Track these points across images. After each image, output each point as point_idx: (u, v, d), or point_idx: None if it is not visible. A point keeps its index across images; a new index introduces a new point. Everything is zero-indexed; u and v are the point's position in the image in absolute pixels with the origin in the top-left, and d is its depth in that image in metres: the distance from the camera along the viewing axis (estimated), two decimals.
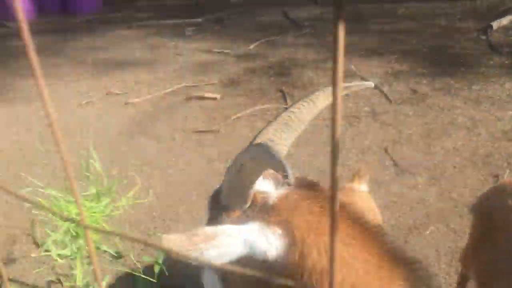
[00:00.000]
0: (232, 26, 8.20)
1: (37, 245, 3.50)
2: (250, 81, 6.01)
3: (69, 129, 5.14)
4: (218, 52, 6.98)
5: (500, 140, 4.35)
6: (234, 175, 1.16)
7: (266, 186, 1.21)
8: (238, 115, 5.10)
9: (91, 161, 3.09)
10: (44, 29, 8.36)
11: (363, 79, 5.73)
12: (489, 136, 4.42)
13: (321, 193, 1.18)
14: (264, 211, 1.12)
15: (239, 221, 1.14)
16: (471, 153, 4.18)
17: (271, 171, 1.22)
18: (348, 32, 7.31)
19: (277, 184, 1.21)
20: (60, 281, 3.17)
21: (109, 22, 8.88)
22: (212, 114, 5.27)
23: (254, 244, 1.08)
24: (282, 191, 1.18)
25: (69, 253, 3.44)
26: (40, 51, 7.39)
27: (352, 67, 6.05)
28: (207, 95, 5.63)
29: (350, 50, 6.65)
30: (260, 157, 1.09)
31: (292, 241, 1.08)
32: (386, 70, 6.02)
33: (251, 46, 7.07)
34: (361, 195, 2.17)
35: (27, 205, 3.95)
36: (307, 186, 1.20)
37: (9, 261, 3.38)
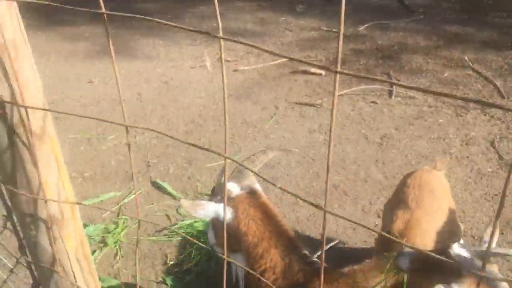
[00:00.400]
0: (346, 4, 8.19)
1: (152, 184, 3.93)
2: (357, 61, 6.05)
3: (183, 88, 5.57)
4: (327, 30, 7.05)
5: None
6: (218, 179, 2.37)
7: (233, 187, 2.21)
8: (342, 92, 5.19)
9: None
10: None
11: (474, 70, 5.54)
12: None
13: (256, 195, 2.19)
14: (228, 199, 2.16)
15: (218, 201, 2.19)
16: None
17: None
18: (464, 23, 7.03)
19: (239, 188, 2.21)
20: (168, 217, 3.55)
21: None
22: (316, 89, 5.41)
23: (219, 213, 2.15)
24: (239, 192, 2.19)
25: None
26: (162, 14, 7.98)
27: (466, 58, 5.85)
28: (312, 70, 5.77)
29: (465, 41, 6.42)
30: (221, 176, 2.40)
31: (236, 215, 2.12)
32: (502, 64, 5.74)
33: (361, 28, 7.05)
34: (436, 175, 2.61)
35: (142, 149, 4.40)
36: (251, 192, 2.20)
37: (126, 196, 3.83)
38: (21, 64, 0.97)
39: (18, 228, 1.22)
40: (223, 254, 0.95)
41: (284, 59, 6.15)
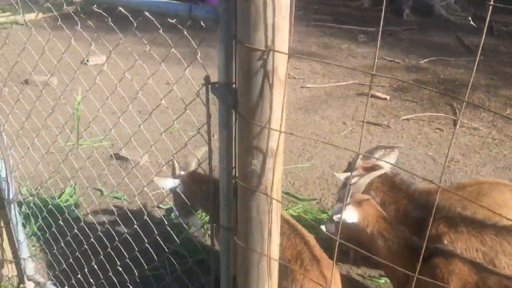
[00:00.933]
0: (404, 40, 8.50)
1: None
2: (420, 91, 6.29)
3: None
4: (390, 60, 7.35)
5: None
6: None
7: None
8: (408, 116, 5.43)
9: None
10: None
11: None
12: None
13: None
14: None
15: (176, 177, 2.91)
16: None
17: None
18: None
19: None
20: None
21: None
22: (382, 111, 5.67)
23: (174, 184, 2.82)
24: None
25: None
26: None
27: None
28: (377, 94, 6.04)
29: None
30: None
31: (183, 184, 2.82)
32: None
33: (422, 61, 7.32)
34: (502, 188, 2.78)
35: None
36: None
37: None
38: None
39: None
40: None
41: (350, 82, 6.45)
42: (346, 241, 1.52)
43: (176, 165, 2.93)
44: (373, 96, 6.02)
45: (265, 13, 1.25)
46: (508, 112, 5.73)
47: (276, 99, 1.36)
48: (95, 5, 1.90)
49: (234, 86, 1.52)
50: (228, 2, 1.39)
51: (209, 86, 1.57)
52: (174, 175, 2.93)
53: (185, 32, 1.65)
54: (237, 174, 1.60)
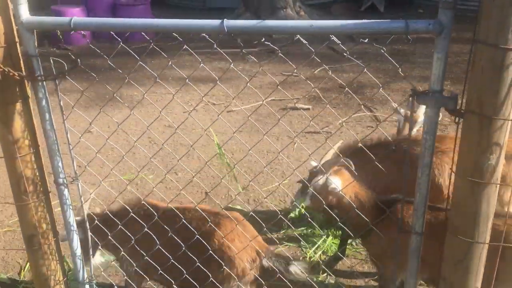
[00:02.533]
0: (287, 55, 9.06)
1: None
2: (331, 97, 6.84)
3: (190, 129, 5.79)
4: (288, 75, 7.82)
5: None
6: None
7: None
8: (342, 120, 5.89)
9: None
10: (109, 53, 8.99)
11: None
12: None
13: None
14: None
15: None
16: None
17: None
18: (397, 62, 8.34)
19: None
20: None
21: (166, 49, 9.61)
22: (313, 120, 6.02)
23: None
24: None
25: None
26: (122, 68, 8.07)
27: (420, 88, 7.01)
28: (300, 106, 6.41)
29: (406, 76, 7.65)
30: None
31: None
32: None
33: (316, 71, 7.96)
34: None
35: None
36: None
37: None
38: None
39: None
40: None
41: (268, 99, 6.71)
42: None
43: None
44: (295, 108, 6.37)
45: None
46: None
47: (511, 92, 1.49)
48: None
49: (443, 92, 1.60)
50: (452, 14, 1.48)
51: (416, 96, 1.62)
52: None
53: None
54: (454, 171, 1.67)
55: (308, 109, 6.39)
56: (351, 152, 3.20)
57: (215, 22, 1.61)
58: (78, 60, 1.74)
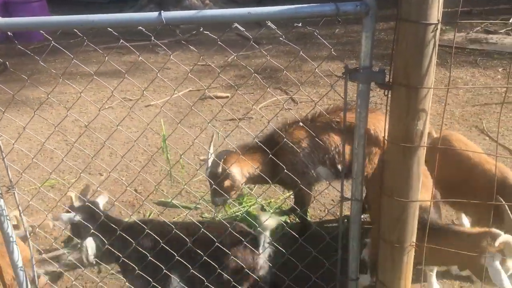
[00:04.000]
0: (197, 45, 9.05)
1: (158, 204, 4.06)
2: (247, 84, 6.97)
3: (109, 128, 5.61)
4: (202, 65, 7.81)
5: None
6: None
7: None
8: (261, 105, 6.03)
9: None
10: (6, 54, 8.39)
11: (341, 75, 7.03)
12: None
13: None
14: None
15: None
16: None
17: None
18: (301, 45, 8.61)
19: None
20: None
21: (68, 47, 9.13)
22: (233, 107, 6.12)
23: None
24: None
25: None
26: (21, 70, 7.56)
27: (330, 69, 7.35)
28: (219, 94, 6.47)
29: (313, 58, 7.98)
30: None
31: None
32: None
33: (229, 59, 8.04)
34: None
35: None
36: None
37: None
38: None
39: None
40: None
41: (184, 90, 6.68)
42: None
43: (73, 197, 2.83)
44: (216, 97, 6.42)
45: None
46: (321, 82, 6.91)
47: (433, 63, 1.67)
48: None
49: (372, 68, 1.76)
50: None
51: (348, 73, 1.77)
52: (71, 207, 2.80)
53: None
54: (386, 139, 1.84)
55: (227, 97, 6.47)
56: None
57: (153, 14, 1.61)
58: (7, 63, 1.65)
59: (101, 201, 3.00)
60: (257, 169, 3.37)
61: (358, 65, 1.73)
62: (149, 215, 4.10)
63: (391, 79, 1.72)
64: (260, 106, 6.05)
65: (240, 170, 3.42)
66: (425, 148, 1.78)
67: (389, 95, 1.74)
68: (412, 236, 1.95)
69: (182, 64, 7.82)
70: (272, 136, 3.51)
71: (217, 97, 6.42)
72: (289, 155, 3.39)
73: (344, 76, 1.74)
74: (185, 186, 4.25)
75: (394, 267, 2.00)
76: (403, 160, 1.79)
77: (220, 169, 3.29)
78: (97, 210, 2.78)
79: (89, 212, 2.75)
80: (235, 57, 8.07)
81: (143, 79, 7.30)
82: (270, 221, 2.48)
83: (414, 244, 1.95)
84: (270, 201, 4.21)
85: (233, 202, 4.00)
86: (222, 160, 3.33)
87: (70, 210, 2.75)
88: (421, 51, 1.60)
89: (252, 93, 6.63)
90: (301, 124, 3.27)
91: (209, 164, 3.36)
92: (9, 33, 1.66)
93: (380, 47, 8.09)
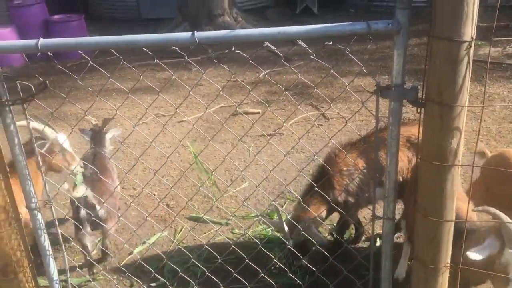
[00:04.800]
0: (228, 62, 9.17)
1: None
2: (279, 100, 6.99)
3: (142, 143, 5.73)
4: (233, 81, 7.90)
5: None
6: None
7: None
8: (292, 121, 6.04)
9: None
10: (45, 72, 8.71)
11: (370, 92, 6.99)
12: None
13: None
14: None
15: None
16: None
17: None
18: (331, 62, 8.59)
19: None
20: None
21: (104, 64, 9.41)
22: (264, 123, 6.15)
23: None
24: None
25: None
26: (60, 87, 7.81)
27: (362, 84, 7.30)
28: (250, 110, 6.51)
29: (345, 74, 7.95)
30: None
31: None
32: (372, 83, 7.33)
33: (260, 75, 8.10)
34: None
35: None
36: None
37: None
38: None
39: None
40: None
41: (216, 106, 6.76)
42: None
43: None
44: (248, 113, 6.46)
45: (473, 10, 1.53)
46: (353, 99, 6.87)
47: (467, 81, 1.64)
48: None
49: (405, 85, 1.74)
50: (409, 14, 1.62)
51: (380, 91, 1.75)
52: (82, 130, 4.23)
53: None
54: (419, 157, 1.81)
55: (258, 112, 6.51)
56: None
57: (187, 34, 1.65)
58: (47, 82, 1.72)
59: (114, 132, 4.23)
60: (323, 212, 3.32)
61: (390, 82, 1.72)
62: (180, 230, 4.14)
63: (423, 96, 1.70)
64: (291, 122, 6.05)
65: (316, 226, 3.28)
66: (460, 167, 1.75)
67: (422, 113, 1.72)
68: (446, 257, 1.90)
69: (214, 81, 7.96)
70: (323, 169, 3.37)
71: (248, 113, 6.46)
72: (346, 180, 3.31)
73: (375, 93, 1.73)
74: (215, 202, 4.28)
75: None
76: (437, 179, 1.76)
77: (301, 237, 3.15)
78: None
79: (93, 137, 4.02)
80: (266, 74, 8.13)
81: (176, 95, 7.44)
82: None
83: (449, 265, 1.90)
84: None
85: (263, 219, 3.99)
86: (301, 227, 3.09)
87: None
88: (455, 68, 1.58)
89: (283, 109, 6.65)
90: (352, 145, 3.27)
91: (286, 229, 3.19)
92: (49, 53, 1.72)
93: (413, 62, 8.00)
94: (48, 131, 3.11)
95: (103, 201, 3.12)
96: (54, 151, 3.10)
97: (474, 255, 2.07)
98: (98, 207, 3.27)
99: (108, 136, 4.13)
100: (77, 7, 13.24)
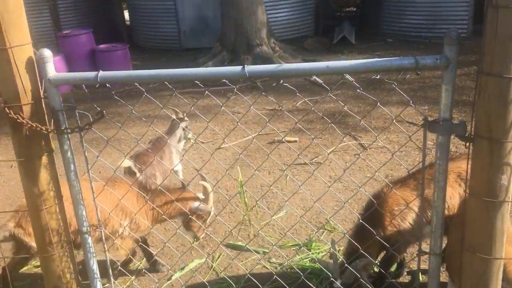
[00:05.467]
0: (267, 90, 9.31)
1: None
2: (315, 128, 7.01)
3: (185, 167, 5.84)
4: (271, 109, 7.99)
5: None
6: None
7: None
8: (331, 150, 6.04)
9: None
10: (91, 97, 9.06)
11: (409, 123, 6.90)
12: None
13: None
14: None
15: None
16: None
17: None
18: (370, 91, 8.57)
19: None
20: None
21: (148, 91, 9.70)
22: (302, 152, 6.16)
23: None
24: None
25: None
26: (106, 113, 8.12)
27: (401, 115, 7.25)
28: (287, 138, 6.55)
29: (384, 103, 7.91)
30: None
31: None
32: (415, 113, 7.24)
33: (298, 104, 8.17)
34: None
35: None
36: None
37: None
38: None
39: None
40: None
41: (254, 134, 6.84)
42: None
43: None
44: (284, 141, 6.51)
45: None
46: (392, 128, 6.82)
47: None
48: None
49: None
50: (457, 49, 1.63)
51: (428, 125, 1.75)
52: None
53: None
54: (468, 193, 1.78)
55: (295, 141, 6.54)
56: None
57: (237, 68, 1.72)
58: (103, 111, 1.81)
59: (184, 124, 5.49)
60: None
61: (438, 117, 1.72)
62: (218, 257, 4.16)
63: (472, 131, 1.69)
64: (329, 151, 6.05)
65: (367, 273, 3.21)
66: (510, 203, 1.72)
67: (471, 148, 1.71)
68: None
69: (254, 108, 8.06)
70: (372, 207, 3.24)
71: (286, 141, 6.50)
72: (398, 220, 3.24)
73: (423, 127, 1.74)
74: (259, 231, 4.29)
75: None
76: (486, 216, 1.73)
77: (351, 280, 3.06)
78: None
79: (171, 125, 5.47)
80: (306, 101, 8.19)
81: (214, 122, 7.57)
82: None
83: None
84: (340, 249, 4.14)
85: (304, 248, 3.96)
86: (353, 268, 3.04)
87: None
88: (505, 104, 1.57)
89: (320, 137, 6.66)
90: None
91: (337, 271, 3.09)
92: (107, 85, 1.82)
93: (456, 93, 7.89)
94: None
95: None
96: None
97: None
98: (138, 174, 4.20)
99: (183, 125, 5.48)
100: (122, 37, 13.81)
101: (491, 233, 1.75)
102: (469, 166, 1.75)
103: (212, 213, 3.78)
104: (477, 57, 1.59)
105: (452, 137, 1.75)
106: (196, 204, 3.64)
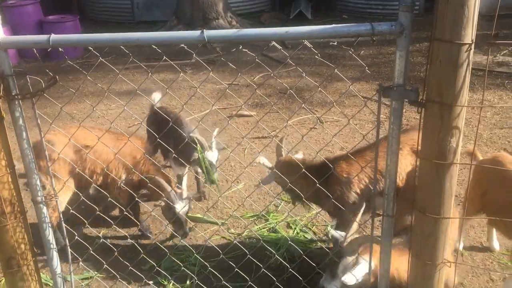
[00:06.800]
0: (224, 65, 9.21)
1: None
2: (273, 103, 7.05)
3: None
4: (228, 84, 7.94)
5: None
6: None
7: None
8: (287, 123, 6.10)
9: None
10: (39, 71, 8.69)
11: (364, 97, 7.05)
12: None
13: None
14: None
15: None
16: None
17: None
18: (325, 65, 8.68)
19: None
20: None
21: (99, 65, 9.40)
22: (259, 125, 6.19)
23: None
24: None
25: None
26: (54, 87, 7.82)
27: (355, 89, 7.38)
28: (245, 113, 6.56)
29: (339, 79, 8.03)
30: None
31: None
32: (369, 88, 7.43)
33: (255, 78, 8.16)
34: None
35: None
36: None
37: None
38: None
39: None
40: None
41: (212, 109, 6.80)
42: None
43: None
44: (241, 116, 6.52)
45: (474, 14, 1.60)
46: (347, 103, 6.95)
47: (467, 82, 1.71)
48: None
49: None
50: (411, 16, 1.68)
51: (382, 91, 1.81)
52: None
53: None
54: (419, 155, 1.86)
55: (252, 115, 6.56)
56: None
57: (196, 33, 1.69)
58: (56, 76, 1.75)
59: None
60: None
61: (392, 83, 1.78)
62: None
63: (424, 97, 1.76)
64: (285, 125, 6.12)
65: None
66: (458, 165, 1.81)
67: (422, 113, 1.78)
68: (444, 253, 1.96)
69: (212, 83, 8.00)
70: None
71: (243, 116, 6.51)
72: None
73: (377, 92, 1.79)
74: (219, 198, 4.31)
75: (426, 285, 2.00)
76: (436, 177, 1.81)
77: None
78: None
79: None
80: (263, 76, 8.20)
81: (171, 97, 7.47)
82: None
83: (446, 261, 1.96)
84: (296, 219, 4.24)
85: (261, 218, 4.03)
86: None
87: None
88: (455, 70, 1.64)
89: (277, 112, 6.71)
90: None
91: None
92: (60, 49, 1.76)
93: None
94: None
95: None
96: None
97: None
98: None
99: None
100: (71, 8, 13.23)
101: (441, 194, 1.84)
102: (421, 132, 1.82)
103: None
104: (429, 34, 1.63)
105: (404, 111, 1.81)
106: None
